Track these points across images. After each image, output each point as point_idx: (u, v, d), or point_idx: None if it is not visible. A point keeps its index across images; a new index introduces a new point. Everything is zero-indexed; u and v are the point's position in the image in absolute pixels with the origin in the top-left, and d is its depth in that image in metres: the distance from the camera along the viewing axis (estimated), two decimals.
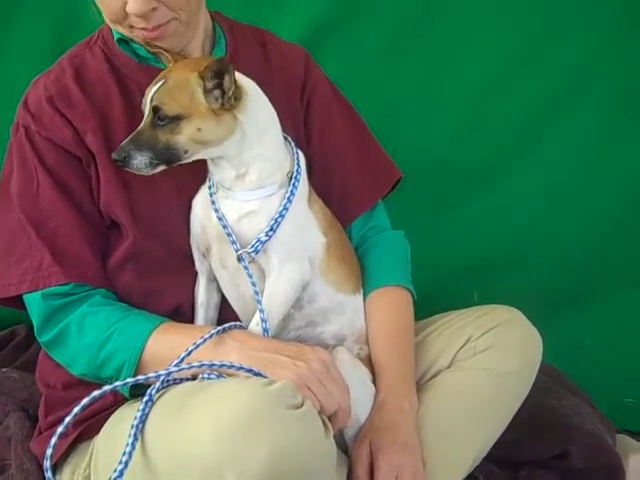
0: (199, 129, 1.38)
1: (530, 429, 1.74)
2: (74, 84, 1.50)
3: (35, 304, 1.46)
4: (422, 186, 2.14)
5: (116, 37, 1.53)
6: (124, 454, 1.24)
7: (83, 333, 1.42)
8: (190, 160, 1.42)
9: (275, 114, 1.49)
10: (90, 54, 1.55)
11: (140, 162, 1.37)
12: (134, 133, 1.39)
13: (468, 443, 1.51)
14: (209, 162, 1.48)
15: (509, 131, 2.24)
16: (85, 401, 1.28)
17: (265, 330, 1.41)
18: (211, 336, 1.36)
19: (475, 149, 2.24)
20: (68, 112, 1.48)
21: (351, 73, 2.07)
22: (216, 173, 1.47)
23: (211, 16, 1.62)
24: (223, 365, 1.32)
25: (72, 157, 1.48)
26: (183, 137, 1.37)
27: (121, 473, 1.23)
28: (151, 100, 1.38)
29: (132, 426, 1.26)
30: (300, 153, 1.53)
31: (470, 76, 2.21)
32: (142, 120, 1.39)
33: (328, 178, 1.63)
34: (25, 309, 1.50)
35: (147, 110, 1.38)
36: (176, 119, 1.36)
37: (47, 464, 1.28)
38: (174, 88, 1.38)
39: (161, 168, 1.39)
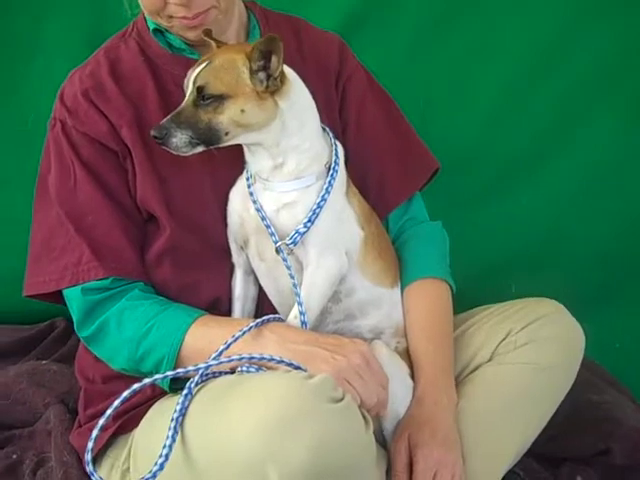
0: (243, 110, 1.37)
1: (571, 425, 1.71)
2: (109, 78, 1.50)
3: (75, 299, 1.46)
4: (458, 178, 2.13)
5: (151, 28, 1.53)
6: (164, 447, 1.24)
7: (122, 327, 1.42)
8: (230, 143, 1.40)
9: (314, 105, 1.47)
10: (125, 47, 1.55)
11: (180, 140, 1.35)
12: (175, 112, 1.37)
13: (509, 438, 1.49)
14: (246, 152, 1.47)
15: (544, 122, 2.21)
16: (125, 394, 1.29)
17: (303, 323, 1.40)
18: (250, 329, 1.36)
19: (511, 141, 2.22)
20: (103, 105, 1.48)
21: (384, 64, 2.03)
22: (253, 163, 1.46)
23: (245, 5, 1.61)
24: (263, 358, 1.31)
25: (108, 150, 1.48)
26: (225, 117, 1.36)
27: (162, 466, 1.23)
28: (195, 80, 1.37)
29: (172, 419, 1.26)
30: (338, 144, 1.52)
31: (504, 65, 2.19)
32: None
33: (365, 168, 1.61)
34: (64, 303, 1.50)
35: (189, 90, 1.38)
36: (220, 98, 1.36)
37: (88, 457, 1.28)
38: (220, 68, 1.37)
39: (200, 149, 1.38)
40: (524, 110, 2.20)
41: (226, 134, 1.38)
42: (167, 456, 1.24)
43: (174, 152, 1.37)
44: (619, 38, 2.13)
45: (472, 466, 1.43)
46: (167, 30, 1.51)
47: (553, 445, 1.69)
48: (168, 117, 1.37)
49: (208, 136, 1.37)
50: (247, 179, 1.48)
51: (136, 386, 1.29)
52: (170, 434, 1.25)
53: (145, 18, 1.53)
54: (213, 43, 1.45)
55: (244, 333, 1.35)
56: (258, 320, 1.38)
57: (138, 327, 1.41)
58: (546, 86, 2.19)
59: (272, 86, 1.38)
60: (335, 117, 1.62)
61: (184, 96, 1.39)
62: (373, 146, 1.64)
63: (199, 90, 1.36)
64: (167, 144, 1.36)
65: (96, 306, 1.45)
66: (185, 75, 1.40)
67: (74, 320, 1.48)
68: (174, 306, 1.45)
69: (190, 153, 1.38)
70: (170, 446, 1.24)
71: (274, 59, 1.36)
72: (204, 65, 1.38)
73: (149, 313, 1.42)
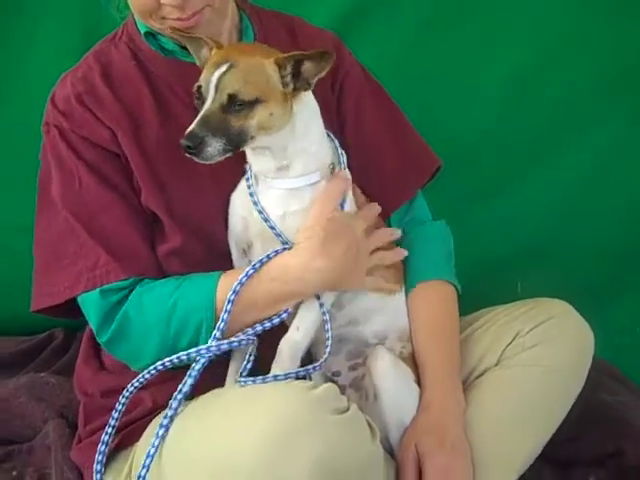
0: (271, 114, 1.32)
1: (583, 426, 1.69)
2: (102, 82, 1.47)
3: (92, 304, 1.42)
4: (461, 176, 2.09)
5: (143, 31, 1.49)
6: (147, 456, 1.24)
7: (144, 312, 1.38)
8: (249, 147, 1.36)
9: (318, 108, 1.44)
10: (116, 50, 1.51)
11: (215, 149, 1.27)
12: (200, 118, 1.28)
13: (519, 443, 1.46)
14: (249, 154, 1.43)
15: (548, 117, 2.19)
16: (151, 369, 1.33)
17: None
18: (261, 262, 1.37)
19: (515, 136, 2.19)
20: (99, 112, 1.45)
21: (381, 61, 2.00)
22: (257, 164, 1.42)
23: (237, 5, 1.57)
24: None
25: (111, 154, 1.45)
26: (255, 122, 1.31)
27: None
28: (217, 84, 1.30)
29: (164, 421, 1.28)
30: (343, 152, 1.48)
31: (505, 63, 2.17)
32: (201, 107, 1.30)
33: (365, 168, 1.57)
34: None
35: (211, 94, 1.30)
36: (253, 103, 1.30)
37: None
38: (248, 72, 1.31)
39: (228, 155, 1.31)
40: (529, 102, 2.18)
41: (252, 138, 1.33)
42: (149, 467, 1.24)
43: (202, 161, 1.29)
44: (623, 43, 2.12)
45: (483, 473, 1.40)
46: (158, 33, 1.48)
47: (565, 447, 1.66)
48: (196, 125, 1.28)
49: (238, 142, 1.31)
50: (247, 179, 1.44)
51: (157, 366, 1.32)
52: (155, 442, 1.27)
53: (135, 21, 1.50)
54: (210, 41, 1.37)
55: (255, 268, 1.36)
56: (264, 256, 1.38)
57: (162, 306, 1.38)
58: (551, 81, 2.16)
59: (302, 87, 1.34)
60: (332, 117, 1.58)
61: (202, 100, 1.30)
62: (372, 144, 1.61)
63: (231, 98, 1.29)
64: (200, 154, 1.27)
65: (115, 306, 1.40)
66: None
67: (93, 326, 1.44)
68: (189, 277, 1.41)
69: (217, 160, 1.31)
70: (152, 456, 1.25)
71: (308, 65, 1.31)
72: (225, 69, 1.31)
73: (168, 288, 1.39)
